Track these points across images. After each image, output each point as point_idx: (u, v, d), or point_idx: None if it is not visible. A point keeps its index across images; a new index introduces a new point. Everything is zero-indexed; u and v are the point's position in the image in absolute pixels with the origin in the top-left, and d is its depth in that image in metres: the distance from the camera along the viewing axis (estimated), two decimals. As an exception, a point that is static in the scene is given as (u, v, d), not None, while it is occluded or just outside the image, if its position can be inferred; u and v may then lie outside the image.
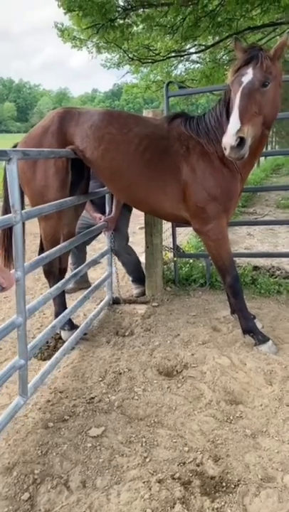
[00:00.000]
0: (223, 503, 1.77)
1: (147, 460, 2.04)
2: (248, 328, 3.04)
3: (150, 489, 1.85)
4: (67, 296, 3.64)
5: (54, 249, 2.84)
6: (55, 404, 2.50)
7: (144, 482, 1.90)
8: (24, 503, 1.83)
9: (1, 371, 2.19)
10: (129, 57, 10.47)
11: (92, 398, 2.54)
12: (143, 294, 4.10)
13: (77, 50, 11.42)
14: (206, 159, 2.91)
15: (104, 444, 2.15)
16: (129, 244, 4.27)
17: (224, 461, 2.01)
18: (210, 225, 2.98)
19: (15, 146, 3.13)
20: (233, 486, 1.86)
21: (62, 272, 3.48)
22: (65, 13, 7.90)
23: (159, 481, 1.89)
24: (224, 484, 1.88)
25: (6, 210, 2.92)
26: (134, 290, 4.21)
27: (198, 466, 1.99)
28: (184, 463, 2.01)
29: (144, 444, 2.14)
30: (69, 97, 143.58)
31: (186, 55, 11.60)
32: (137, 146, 2.94)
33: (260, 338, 2.99)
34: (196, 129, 2.93)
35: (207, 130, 2.87)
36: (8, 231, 2.95)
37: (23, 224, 3.14)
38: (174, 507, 1.76)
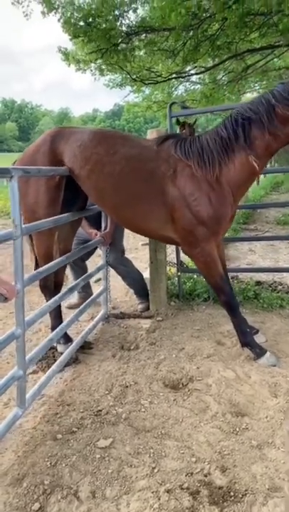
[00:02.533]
0: (231, 512, 1.80)
1: (155, 470, 2.06)
2: (246, 341, 3.09)
3: (159, 499, 1.88)
4: (70, 311, 3.70)
5: (52, 263, 2.91)
6: (63, 417, 2.53)
7: (152, 492, 1.92)
8: (35, 514, 1.86)
9: (0, 381, 2.23)
10: (132, 79, 10.74)
11: (100, 411, 2.57)
12: (147, 308, 4.16)
13: (81, 73, 11.75)
14: (194, 182, 2.89)
15: (112, 455, 2.17)
16: (126, 257, 4.35)
17: (231, 471, 2.04)
18: (198, 248, 3.01)
19: (14, 164, 3.25)
20: (240, 496, 1.89)
21: (58, 286, 3.53)
22: (71, 39, 8.15)
23: (168, 491, 1.92)
24: (232, 494, 1.91)
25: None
26: (138, 305, 4.27)
27: (205, 476, 2.02)
28: (192, 473, 2.04)
29: (151, 455, 2.17)
30: (70, 116, 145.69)
31: (186, 76, 11.90)
32: (123, 168, 2.95)
33: (258, 351, 3.03)
34: (186, 152, 2.92)
35: (201, 152, 2.86)
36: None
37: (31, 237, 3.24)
38: (183, 516, 1.79)
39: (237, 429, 2.36)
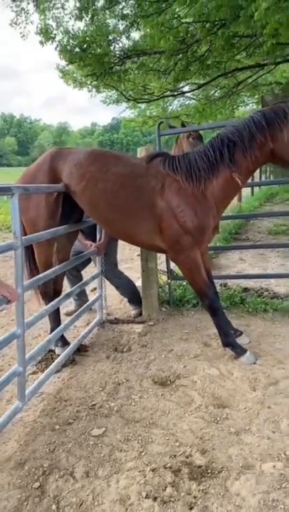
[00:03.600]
0: (207, 486, 2.05)
1: (143, 454, 2.31)
2: (228, 342, 3.36)
3: (145, 476, 2.13)
4: (68, 318, 3.98)
5: (49, 271, 3.21)
6: (61, 411, 2.78)
7: (139, 471, 2.18)
8: (35, 491, 2.11)
9: (2, 377, 2.49)
10: (126, 97, 11.14)
11: (94, 405, 2.82)
12: (140, 314, 4.42)
13: (78, 90, 12.18)
14: (180, 196, 3.17)
15: (104, 442, 2.42)
16: (118, 269, 4.66)
17: (210, 453, 2.29)
18: (183, 255, 3.28)
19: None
20: (216, 472, 2.14)
21: (57, 293, 3.79)
22: (67, 64, 8.57)
23: (153, 470, 2.17)
24: (209, 471, 2.16)
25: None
26: (131, 311, 4.53)
27: (187, 457, 2.27)
28: (175, 455, 2.28)
29: (140, 441, 2.42)
30: (69, 131, 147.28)
31: (178, 94, 12.32)
32: (114, 184, 3.24)
33: (239, 351, 3.30)
34: (173, 168, 3.20)
35: (189, 168, 3.16)
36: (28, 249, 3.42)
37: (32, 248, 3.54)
38: (165, 490, 2.04)
39: (218, 419, 2.61)
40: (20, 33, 10.20)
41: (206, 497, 1.99)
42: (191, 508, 1.93)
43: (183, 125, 5.46)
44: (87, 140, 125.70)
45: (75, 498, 2.03)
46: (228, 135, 3.13)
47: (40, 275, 3.02)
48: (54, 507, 2.00)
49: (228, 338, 3.37)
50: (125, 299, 4.70)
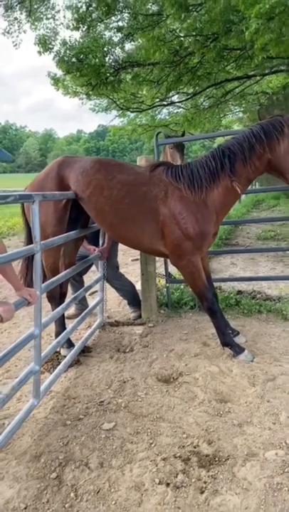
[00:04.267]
0: (216, 472, 2.20)
1: (153, 445, 2.45)
2: (226, 342, 3.53)
3: (157, 465, 2.27)
4: (68, 320, 4.11)
5: (61, 274, 3.35)
6: (71, 408, 2.90)
7: (151, 461, 2.31)
8: (53, 481, 2.22)
9: (21, 375, 2.61)
10: (118, 106, 11.35)
11: (102, 401, 2.95)
12: (139, 316, 4.57)
13: (68, 98, 12.33)
14: (183, 203, 3.34)
15: (116, 435, 2.55)
16: (119, 271, 4.79)
17: (216, 443, 2.44)
18: (184, 260, 3.44)
19: (25, 189, 3.69)
20: (224, 460, 2.29)
21: (63, 296, 3.92)
22: (64, 74, 8.76)
23: (164, 459, 2.31)
24: (217, 459, 2.31)
25: (26, 241, 3.49)
26: (131, 314, 4.67)
27: (195, 447, 2.41)
28: (184, 446, 2.43)
29: (149, 434, 2.55)
30: (54, 137, 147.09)
31: (168, 104, 12.59)
32: (119, 191, 3.40)
33: (237, 350, 3.46)
34: (176, 176, 3.37)
35: (191, 177, 3.33)
36: (28, 259, 3.45)
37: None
38: (177, 476, 2.18)
39: (221, 412, 2.76)
40: (13, 42, 10.40)
41: (216, 482, 2.13)
42: (202, 492, 2.07)
43: (183, 134, 5.66)
44: (73, 147, 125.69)
45: (92, 486, 2.16)
46: (229, 146, 3.32)
47: (54, 278, 3.15)
48: (72, 495, 2.12)
49: (226, 337, 3.53)
50: (124, 302, 4.84)
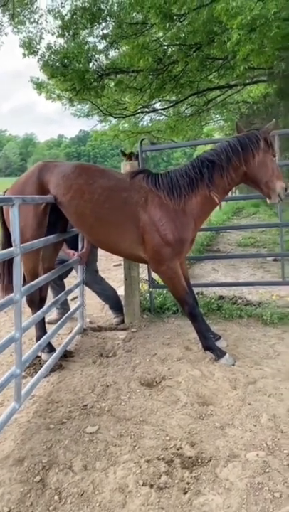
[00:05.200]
0: (199, 473, 2.23)
1: (136, 448, 2.47)
2: (208, 345, 3.58)
3: (140, 467, 2.29)
4: (50, 326, 4.11)
5: (41, 278, 3.35)
6: (54, 412, 2.90)
7: (135, 463, 2.33)
8: (37, 484, 2.22)
9: (1, 379, 2.59)
10: (101, 111, 11.40)
11: (85, 405, 2.96)
12: (122, 322, 4.59)
13: (51, 102, 12.33)
14: (162, 210, 3.41)
15: (99, 438, 2.57)
16: (99, 276, 4.83)
17: (199, 445, 2.47)
18: (164, 266, 3.51)
19: (5, 192, 3.70)
20: (206, 461, 2.33)
21: (42, 300, 3.91)
22: (48, 79, 8.78)
23: (147, 461, 2.34)
24: (199, 460, 2.34)
25: (4, 245, 3.49)
26: (113, 319, 4.69)
27: (178, 450, 2.44)
28: (167, 448, 2.46)
29: (132, 437, 2.57)
30: (35, 142, 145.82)
31: (152, 111, 12.73)
32: (99, 195, 3.44)
33: (218, 354, 3.52)
34: (156, 184, 3.45)
35: (171, 185, 3.40)
36: (5, 263, 3.45)
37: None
38: (160, 478, 2.21)
39: (203, 415, 2.80)
40: (-5, 44, 10.35)
41: (199, 482, 2.17)
42: (185, 493, 2.11)
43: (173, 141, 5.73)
44: (53, 151, 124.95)
45: (76, 488, 2.17)
46: (208, 157, 3.43)
47: (33, 282, 3.14)
48: (56, 497, 2.12)
49: (208, 341, 3.59)
50: (107, 306, 4.85)
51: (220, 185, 3.43)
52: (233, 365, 3.46)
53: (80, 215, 3.54)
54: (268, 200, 3.47)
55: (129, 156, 5.80)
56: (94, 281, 4.69)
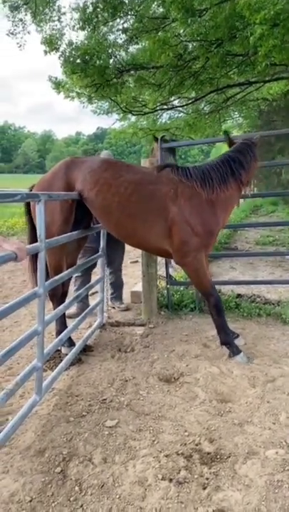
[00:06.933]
0: (218, 469, 2.24)
1: (155, 442, 2.49)
2: (226, 341, 3.59)
3: (159, 462, 2.31)
4: (69, 320, 4.17)
5: (64, 273, 3.39)
6: (73, 405, 2.94)
7: (154, 457, 2.35)
8: (57, 475, 2.26)
9: (23, 371, 2.64)
10: (121, 109, 11.40)
11: (104, 399, 2.99)
12: (126, 307, 4.99)
13: (69, 101, 12.38)
14: (193, 201, 3.47)
15: (118, 432, 2.59)
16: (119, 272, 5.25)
17: (217, 441, 2.48)
18: (190, 257, 3.53)
19: (31, 188, 3.74)
20: (225, 458, 2.33)
21: (64, 294, 3.96)
22: (68, 75, 8.83)
23: (166, 456, 2.35)
24: (218, 457, 2.35)
25: (30, 240, 3.54)
26: (120, 305, 5.10)
27: (196, 445, 2.45)
28: (185, 443, 2.47)
29: (151, 432, 2.59)
30: (53, 139, 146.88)
31: (170, 108, 12.67)
32: (126, 189, 3.48)
33: (234, 350, 3.53)
34: (187, 175, 3.51)
35: (203, 176, 3.49)
36: (33, 257, 3.50)
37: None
38: (179, 472, 2.22)
39: (222, 412, 2.81)
40: (17, 43, 10.43)
41: (218, 478, 2.17)
42: (204, 488, 2.12)
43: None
44: (71, 149, 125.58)
45: (96, 480, 2.20)
46: (237, 155, 3.62)
47: (57, 277, 3.18)
48: (77, 488, 2.16)
49: (228, 337, 3.58)
50: (109, 294, 5.17)
51: (244, 179, 3.62)
52: (247, 363, 3.45)
53: (106, 209, 3.57)
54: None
55: (164, 141, 5.76)
56: (118, 268, 5.11)
